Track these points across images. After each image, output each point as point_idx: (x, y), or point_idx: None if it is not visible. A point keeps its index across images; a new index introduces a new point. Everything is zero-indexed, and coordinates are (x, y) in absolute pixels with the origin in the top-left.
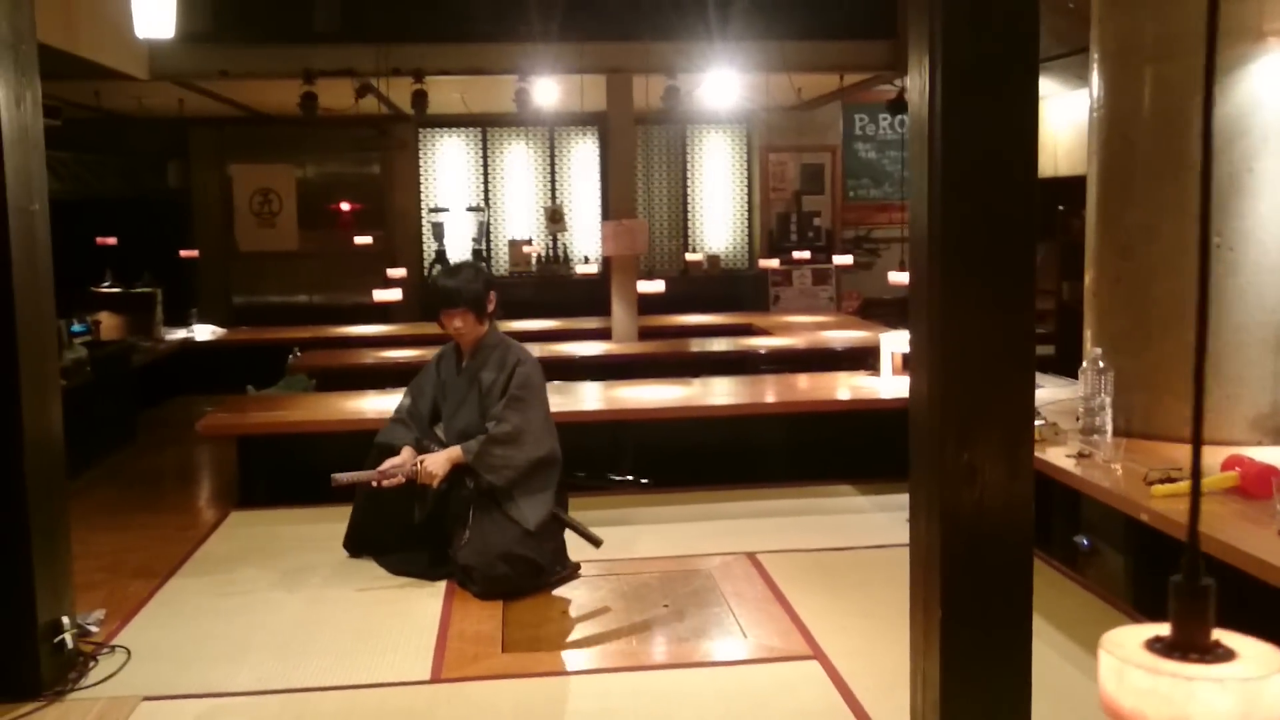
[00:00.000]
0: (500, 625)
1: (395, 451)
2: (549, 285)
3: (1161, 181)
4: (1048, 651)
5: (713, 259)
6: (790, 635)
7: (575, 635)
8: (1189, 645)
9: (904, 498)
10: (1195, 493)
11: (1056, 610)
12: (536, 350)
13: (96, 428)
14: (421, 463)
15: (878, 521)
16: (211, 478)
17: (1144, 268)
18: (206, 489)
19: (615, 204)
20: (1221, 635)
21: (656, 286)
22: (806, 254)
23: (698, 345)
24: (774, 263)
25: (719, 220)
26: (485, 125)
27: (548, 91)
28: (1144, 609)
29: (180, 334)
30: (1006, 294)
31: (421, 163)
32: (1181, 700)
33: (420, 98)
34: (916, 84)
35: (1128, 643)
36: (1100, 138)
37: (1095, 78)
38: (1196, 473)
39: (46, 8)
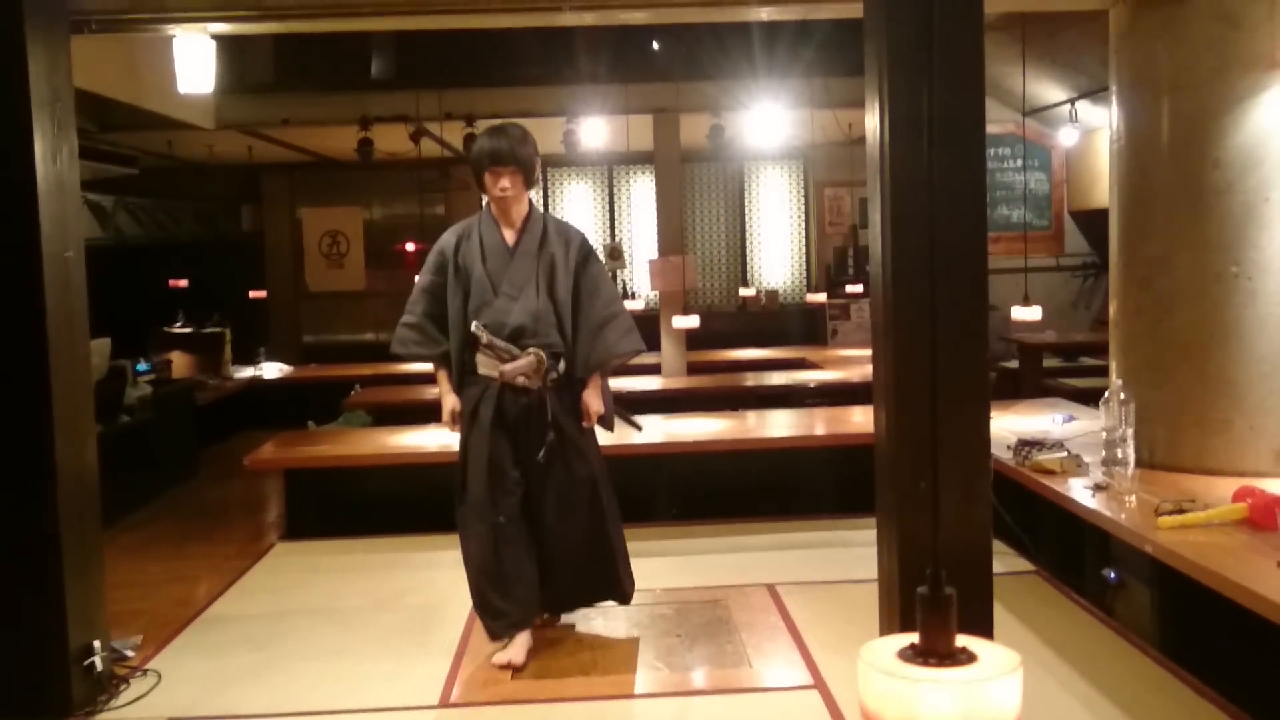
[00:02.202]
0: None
1: None
2: None
3: (1177, 212)
4: (1057, 689)
5: (770, 294)
6: (795, 665)
7: (584, 663)
8: (932, 651)
9: None
10: (935, 505)
11: (1070, 645)
12: None
13: (159, 462)
14: (584, 403)
15: None
16: (264, 511)
17: (1162, 299)
18: (258, 522)
19: (663, 240)
20: (970, 642)
21: (691, 322)
22: (860, 288)
23: (747, 380)
24: (821, 297)
25: (776, 255)
26: (546, 166)
27: (596, 132)
28: (1168, 641)
29: (249, 372)
30: (957, 327)
31: (483, 203)
32: (910, 700)
33: (471, 140)
34: (871, 126)
35: (882, 650)
36: (1119, 169)
37: (1114, 109)
38: (935, 483)
39: (114, 65)
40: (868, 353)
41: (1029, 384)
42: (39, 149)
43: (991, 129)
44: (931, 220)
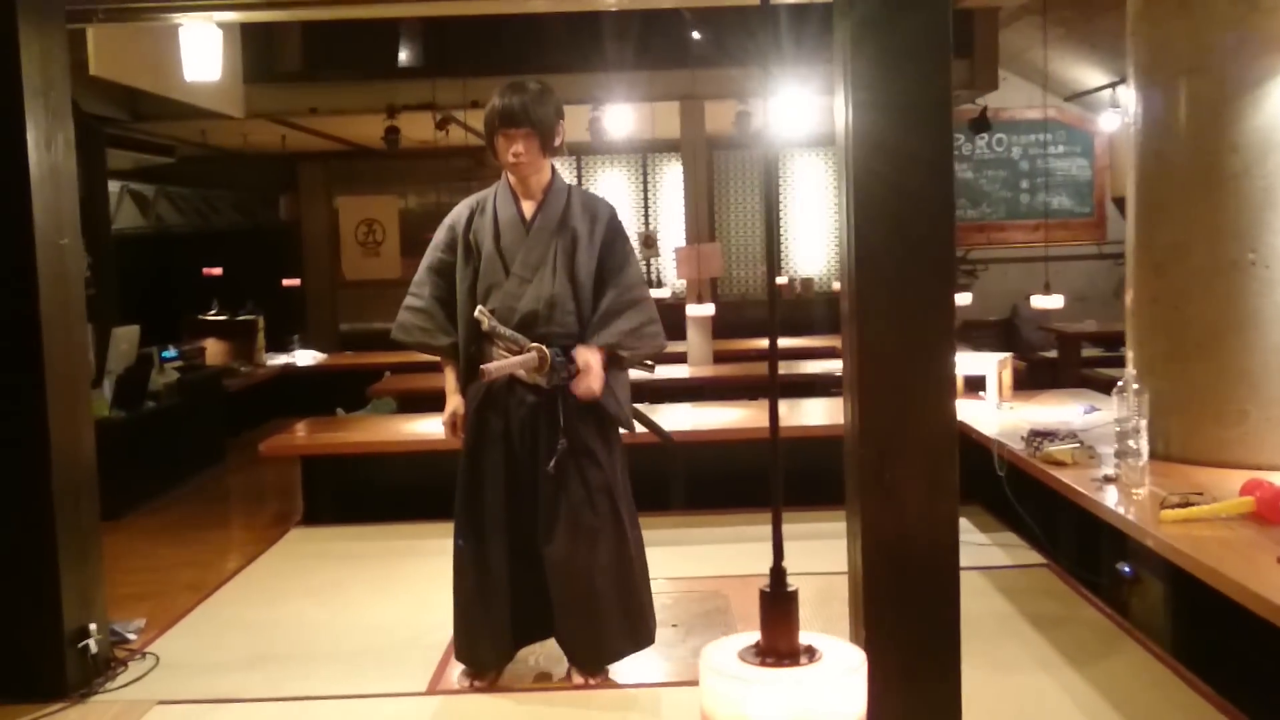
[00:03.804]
0: None
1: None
2: None
3: (1193, 198)
4: (1052, 686)
5: (805, 282)
6: None
7: None
8: (774, 650)
9: None
10: (776, 509)
11: (1072, 640)
12: None
13: (184, 448)
14: (578, 375)
15: None
16: (284, 498)
17: (1177, 287)
18: (277, 508)
19: (691, 228)
20: (817, 639)
21: (707, 310)
22: None
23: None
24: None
25: (810, 243)
26: (579, 154)
27: (623, 119)
28: (1180, 639)
29: (282, 359)
30: (923, 320)
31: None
32: (740, 701)
33: None
34: (840, 116)
35: (725, 649)
36: (1136, 154)
37: (1131, 92)
38: (777, 489)
39: (141, 55)
40: None
41: (1067, 374)
42: (32, 137)
43: (1031, 114)
44: (897, 205)
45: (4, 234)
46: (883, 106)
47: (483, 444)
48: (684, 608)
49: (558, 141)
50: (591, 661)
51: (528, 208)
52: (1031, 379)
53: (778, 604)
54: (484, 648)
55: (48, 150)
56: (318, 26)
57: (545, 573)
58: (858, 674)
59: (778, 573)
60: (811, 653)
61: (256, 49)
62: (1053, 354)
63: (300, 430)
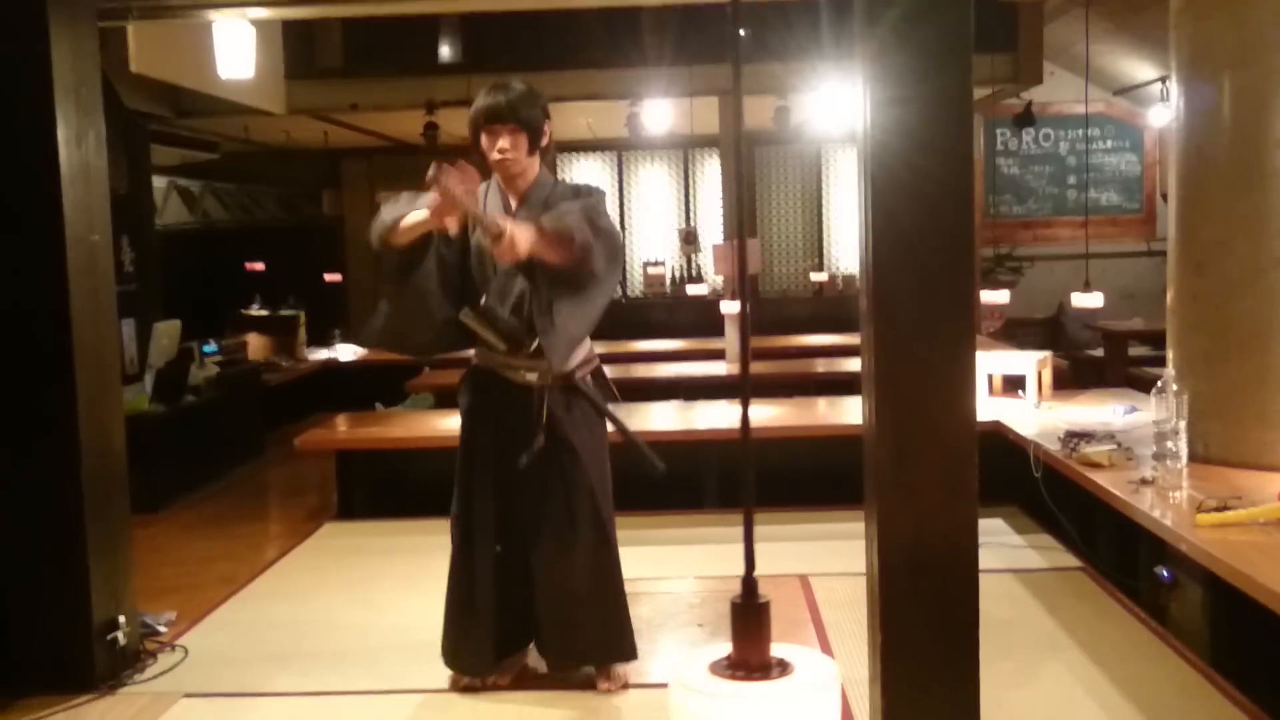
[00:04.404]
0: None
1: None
2: (681, 306)
3: (1236, 195)
4: (1081, 694)
5: (847, 279)
6: None
7: None
8: (744, 663)
9: (982, 522)
10: (748, 517)
11: (1105, 646)
12: (646, 370)
13: (223, 442)
14: (503, 229)
15: None
16: (320, 492)
17: (1219, 286)
18: (312, 502)
19: (729, 225)
20: (791, 652)
21: (734, 307)
22: None
23: (817, 365)
24: None
25: (852, 239)
26: (620, 149)
27: (661, 115)
28: (1219, 645)
29: (323, 354)
30: (943, 319)
31: None
32: (706, 715)
33: None
34: (860, 112)
35: (697, 661)
36: (1178, 150)
37: (1173, 87)
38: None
39: (183, 52)
40: None
41: (1113, 373)
42: (62, 134)
43: (1079, 108)
44: (916, 203)
45: (35, 230)
46: (902, 102)
47: (473, 444)
48: (710, 607)
49: (544, 141)
50: (561, 654)
51: (514, 204)
52: (1078, 378)
53: (748, 616)
54: (463, 655)
55: (78, 147)
56: (358, 23)
57: (531, 579)
58: (828, 689)
59: (748, 584)
60: (783, 666)
61: (297, 46)
62: (1099, 353)
63: (335, 425)
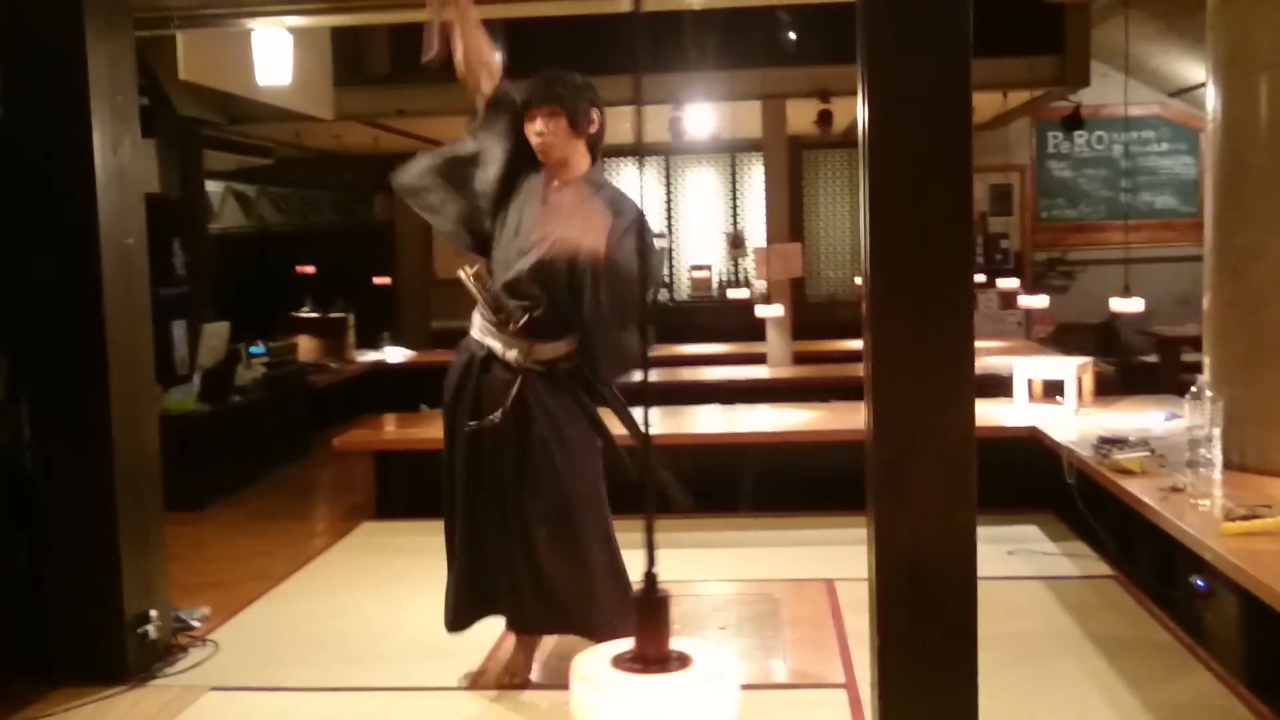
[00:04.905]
0: (556, 636)
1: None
2: (727, 310)
3: (1272, 198)
4: (1099, 703)
5: None
6: (830, 663)
7: None
8: (645, 657)
9: (1016, 529)
10: (649, 517)
11: (1128, 657)
12: (689, 374)
13: (269, 442)
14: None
15: (979, 553)
16: (360, 491)
17: (1254, 291)
18: (352, 501)
19: (771, 228)
20: (693, 646)
21: (775, 311)
22: (981, 278)
23: (859, 370)
24: None
25: None
26: (666, 153)
27: (704, 119)
28: (1253, 657)
29: (372, 356)
30: (941, 324)
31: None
32: (597, 706)
33: None
34: (861, 112)
35: (598, 657)
36: (1214, 152)
37: (1209, 89)
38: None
39: (232, 60)
40: (991, 344)
41: (1167, 379)
42: (98, 140)
43: (1134, 111)
44: (915, 209)
45: (70, 234)
46: (901, 107)
47: (453, 406)
48: (733, 610)
49: (592, 129)
50: (528, 622)
51: (554, 187)
52: (1130, 384)
53: (648, 610)
54: (446, 611)
55: (114, 154)
56: (405, 29)
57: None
58: (724, 680)
59: (649, 578)
60: (682, 659)
61: (346, 53)
62: (1154, 358)
63: (375, 425)
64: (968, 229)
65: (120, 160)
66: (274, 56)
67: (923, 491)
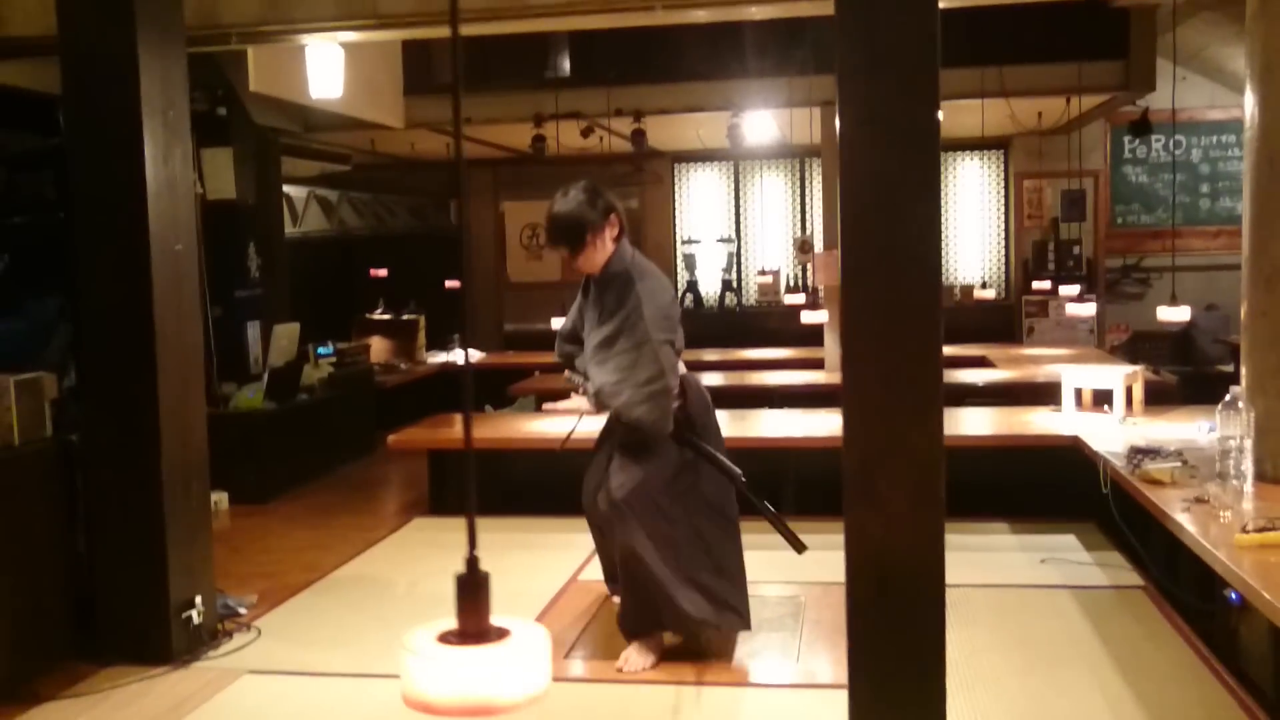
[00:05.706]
0: (579, 632)
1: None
2: (794, 314)
3: None
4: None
5: (965, 289)
6: (842, 665)
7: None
8: (467, 633)
9: (1053, 538)
10: (470, 513)
11: (1144, 669)
12: (753, 378)
13: (334, 440)
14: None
15: (1011, 561)
16: (417, 488)
17: None
18: (408, 497)
19: (828, 234)
20: (512, 623)
21: (820, 317)
22: (1046, 285)
23: None
24: (989, 293)
25: (972, 250)
26: (735, 159)
27: (763, 125)
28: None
29: (442, 357)
30: (909, 330)
31: (675, 196)
32: (418, 678)
33: (639, 136)
34: (838, 127)
35: (426, 633)
36: (1250, 160)
37: (1246, 97)
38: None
39: (297, 72)
40: (1058, 351)
41: None
42: (149, 151)
43: (1216, 115)
44: (885, 222)
45: (122, 241)
46: (871, 123)
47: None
48: (756, 612)
49: (607, 232)
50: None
51: (593, 287)
52: (1204, 393)
53: (467, 589)
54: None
55: (165, 164)
56: (471, 40)
57: None
58: (536, 651)
59: (471, 561)
60: (500, 633)
61: (417, 63)
62: (1229, 368)
63: (431, 425)
64: (935, 243)
65: (171, 170)
66: (326, 70)
67: (890, 497)
